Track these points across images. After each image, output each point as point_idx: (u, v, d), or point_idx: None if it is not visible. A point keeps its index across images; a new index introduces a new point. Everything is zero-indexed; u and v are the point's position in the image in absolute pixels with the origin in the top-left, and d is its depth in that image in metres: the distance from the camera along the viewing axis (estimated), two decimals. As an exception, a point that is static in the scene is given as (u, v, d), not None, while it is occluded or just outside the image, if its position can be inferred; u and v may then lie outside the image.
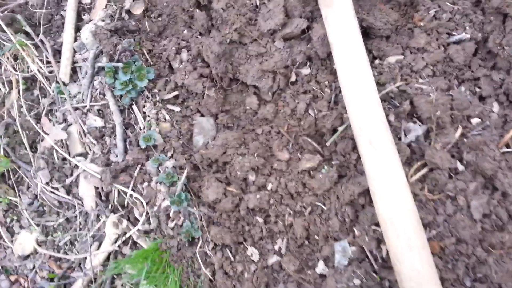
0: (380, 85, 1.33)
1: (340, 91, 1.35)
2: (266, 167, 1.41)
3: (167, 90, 1.45)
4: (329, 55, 1.39)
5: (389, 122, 1.29)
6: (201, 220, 1.36)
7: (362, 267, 1.24)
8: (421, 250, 0.99)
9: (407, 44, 1.39)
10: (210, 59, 1.40)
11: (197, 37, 1.51)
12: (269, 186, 1.37)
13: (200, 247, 1.36)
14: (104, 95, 1.46)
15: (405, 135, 1.29)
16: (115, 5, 1.46)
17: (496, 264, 1.13)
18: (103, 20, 1.42)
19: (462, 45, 1.35)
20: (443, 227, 1.17)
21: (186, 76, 1.42)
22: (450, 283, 1.15)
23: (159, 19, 1.53)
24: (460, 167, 1.22)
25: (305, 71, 1.45)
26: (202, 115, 1.49)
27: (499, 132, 1.26)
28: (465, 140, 1.26)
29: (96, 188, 1.44)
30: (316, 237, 1.33)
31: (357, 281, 1.19)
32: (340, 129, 1.33)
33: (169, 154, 1.42)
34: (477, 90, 1.34)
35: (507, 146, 1.24)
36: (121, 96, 1.44)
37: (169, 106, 1.47)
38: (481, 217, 1.16)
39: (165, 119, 1.46)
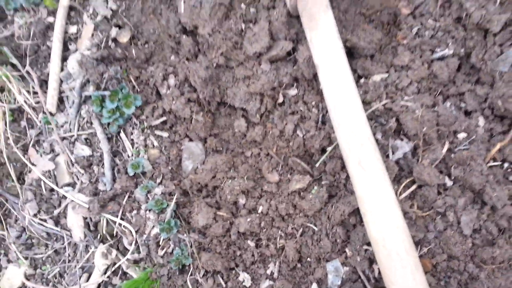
0: (366, 103, 1.34)
1: (327, 111, 1.36)
2: (256, 190, 1.40)
3: (155, 116, 1.45)
4: (315, 76, 1.41)
5: (377, 140, 1.30)
6: (191, 246, 1.35)
7: (356, 287, 1.22)
8: (414, 270, 0.98)
9: (391, 62, 1.40)
10: (197, 84, 1.41)
11: (184, 63, 1.52)
12: (260, 209, 1.36)
13: (191, 274, 1.34)
14: (91, 123, 1.46)
15: (393, 152, 1.29)
16: (101, 34, 1.47)
17: (488, 279, 1.12)
18: (89, 49, 1.43)
19: (446, 61, 1.36)
20: (434, 244, 1.16)
21: (174, 102, 1.42)
22: (444, 302, 1.13)
23: (146, 46, 1.54)
24: (449, 183, 1.22)
25: (292, 92, 1.46)
26: (190, 140, 1.48)
27: (486, 146, 1.26)
28: (452, 155, 1.26)
29: (85, 218, 1.42)
30: (309, 259, 1.31)
31: (351, 303, 1.17)
32: (329, 149, 1.33)
33: (158, 181, 1.41)
34: (462, 105, 1.35)
35: (494, 159, 1.24)
36: (108, 124, 1.43)
37: (157, 132, 1.47)
38: (472, 233, 1.15)
39: (153, 145, 1.45)
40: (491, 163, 1.22)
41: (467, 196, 1.19)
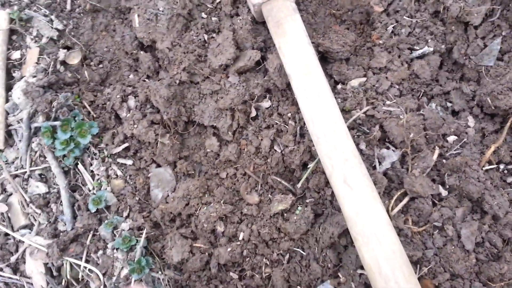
0: (345, 112, 1.23)
1: (305, 122, 1.25)
2: (235, 214, 1.27)
3: (115, 143, 1.31)
4: (289, 85, 1.29)
5: (361, 151, 1.19)
6: (167, 285, 1.21)
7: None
8: (415, 299, 0.87)
9: (369, 65, 1.30)
10: (160, 104, 1.27)
11: (144, 81, 1.39)
12: (241, 236, 1.23)
13: (169, 317, 1.20)
14: (44, 157, 1.30)
15: (380, 163, 1.19)
16: (48, 57, 1.33)
17: (499, 298, 1.01)
18: (34, 76, 1.28)
19: (426, 59, 1.27)
20: (434, 262, 1.05)
21: (135, 125, 1.28)
22: (451, 327, 1.02)
23: (100, 66, 1.40)
24: (444, 193, 1.12)
25: (266, 104, 1.34)
26: (158, 166, 1.35)
27: (479, 149, 1.16)
28: (444, 161, 1.16)
29: (45, 263, 1.26)
30: (299, 287, 1.19)
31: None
32: (310, 166, 1.21)
33: (125, 214, 1.27)
34: (449, 105, 1.26)
35: (489, 163, 1.14)
36: (63, 156, 1.28)
37: (120, 160, 1.32)
38: (474, 247, 1.04)
39: (116, 175, 1.31)
40: (487, 167, 1.13)
41: (465, 205, 1.08)
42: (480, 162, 1.12)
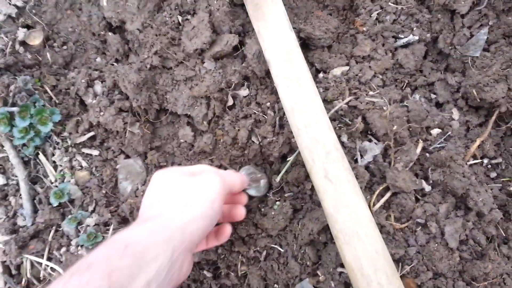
0: (327, 102, 1.16)
1: (284, 113, 1.18)
2: (209, 209, 1.20)
3: (80, 131, 1.21)
4: (268, 72, 1.21)
5: (342, 143, 1.13)
6: (136, 285, 1.13)
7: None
8: (398, 302, 0.82)
9: (352, 53, 1.24)
10: (129, 90, 1.18)
11: (112, 65, 1.29)
12: (215, 232, 1.17)
13: (138, 318, 1.12)
14: (2, 146, 1.20)
15: (361, 156, 1.13)
16: (6, 37, 1.21)
17: (482, 298, 0.98)
18: (-10, 57, 1.17)
19: (411, 49, 1.21)
20: (417, 261, 1.01)
21: (102, 113, 1.19)
22: (433, 328, 0.99)
23: (64, 47, 1.29)
24: (427, 188, 1.08)
25: (243, 92, 1.27)
26: (127, 157, 1.26)
27: (464, 143, 1.13)
28: (427, 155, 1.11)
29: (3, 262, 1.17)
30: (276, 286, 1.13)
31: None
32: (290, 159, 1.15)
33: (90, 209, 1.18)
34: (433, 96, 1.21)
35: (474, 157, 1.11)
36: (23, 145, 1.18)
37: (85, 150, 1.23)
38: (458, 245, 1.01)
39: (81, 167, 1.21)
40: (471, 162, 1.09)
41: (448, 202, 1.04)
42: (465, 157, 1.08)
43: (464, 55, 1.18)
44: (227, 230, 0.94)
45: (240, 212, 0.97)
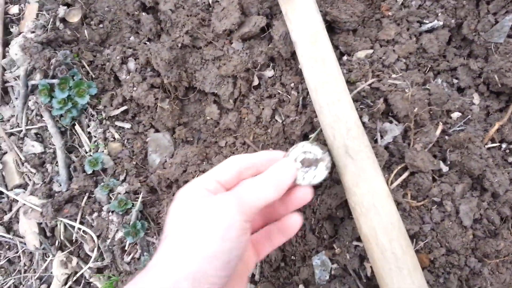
0: (350, 83, 1.20)
1: (308, 93, 1.22)
2: (232, 183, 1.26)
3: (114, 105, 1.28)
4: (293, 54, 1.26)
5: (364, 123, 1.17)
6: (162, 250, 1.20)
7: (346, 283, 1.11)
8: (412, 271, 0.86)
9: (376, 37, 1.27)
10: (161, 67, 1.24)
11: (145, 44, 1.35)
12: (237, 204, 1.22)
13: (163, 281, 1.19)
14: (41, 116, 1.28)
15: (382, 136, 1.17)
16: (48, 14, 1.29)
17: (492, 275, 1.01)
18: (33, 32, 1.24)
19: (435, 34, 1.23)
20: (431, 237, 1.05)
21: (135, 88, 1.26)
22: (444, 301, 1.02)
23: (101, 26, 1.36)
24: (444, 168, 1.11)
25: (269, 73, 1.32)
26: (157, 131, 1.33)
27: (483, 126, 1.15)
28: (447, 137, 1.14)
29: (39, 223, 1.25)
30: (293, 257, 1.19)
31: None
32: (312, 136, 1.19)
33: (121, 178, 1.26)
34: (455, 81, 1.23)
35: (493, 141, 1.13)
36: (60, 116, 1.26)
37: (118, 123, 1.30)
38: (472, 223, 1.04)
39: (114, 138, 1.29)
40: (490, 145, 1.11)
41: (465, 182, 1.07)
42: (483, 140, 1.11)
43: (488, 41, 1.20)
44: (294, 222, 0.79)
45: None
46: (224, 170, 0.72)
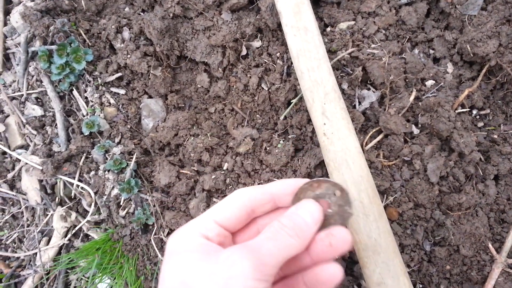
0: (331, 52, 1.27)
1: (292, 63, 1.30)
2: (221, 147, 1.34)
3: (109, 72, 1.36)
4: (280, 25, 1.33)
5: (343, 90, 1.25)
6: (154, 206, 1.29)
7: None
8: (377, 218, 0.95)
9: (359, 9, 1.34)
10: (153, 36, 1.32)
11: (139, 14, 1.42)
12: (225, 166, 1.31)
13: (155, 233, 1.29)
14: (41, 81, 1.36)
15: (359, 102, 1.25)
16: (46, -17, 1.35)
17: (454, 226, 1.10)
18: (32, 0, 1.31)
19: (414, 7, 1.30)
20: (400, 193, 1.14)
21: (129, 56, 1.33)
22: (410, 249, 1.12)
23: (97, -4, 1.43)
24: (416, 131, 1.19)
25: (256, 43, 1.39)
26: (150, 97, 1.41)
27: (454, 93, 1.22)
28: (419, 103, 1.22)
29: (40, 181, 1.34)
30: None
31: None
32: (294, 101, 1.27)
33: (117, 140, 1.34)
34: (431, 52, 1.30)
35: (463, 106, 1.21)
36: (59, 81, 1.34)
37: (113, 89, 1.38)
38: (438, 180, 1.13)
39: (109, 103, 1.37)
40: (460, 110, 1.19)
41: (434, 143, 1.16)
42: (453, 105, 1.18)
43: (463, 14, 1.26)
44: (332, 274, 0.58)
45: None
46: (226, 208, 0.58)
